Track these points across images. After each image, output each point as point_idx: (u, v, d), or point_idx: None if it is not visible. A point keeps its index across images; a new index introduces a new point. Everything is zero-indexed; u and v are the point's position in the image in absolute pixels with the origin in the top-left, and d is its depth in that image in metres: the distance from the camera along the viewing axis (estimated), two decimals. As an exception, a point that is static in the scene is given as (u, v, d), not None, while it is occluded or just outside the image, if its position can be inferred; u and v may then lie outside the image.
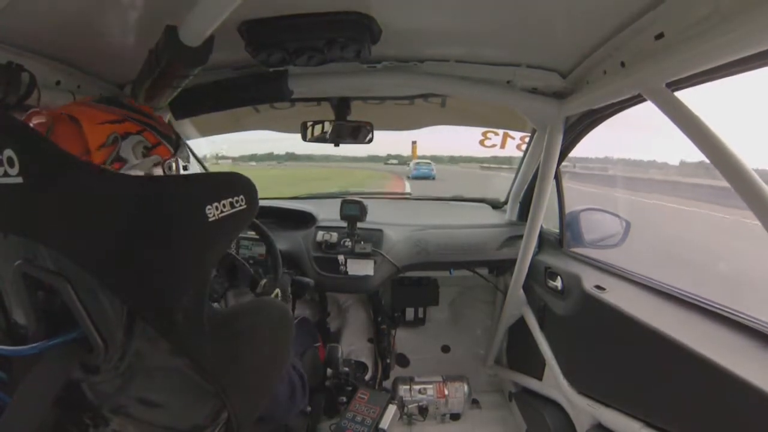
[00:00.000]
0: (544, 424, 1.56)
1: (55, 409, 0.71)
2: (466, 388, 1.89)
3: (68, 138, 0.69)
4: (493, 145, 1.87)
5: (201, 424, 0.74)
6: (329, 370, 1.69)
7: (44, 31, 0.90)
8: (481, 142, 1.89)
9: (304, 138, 1.67)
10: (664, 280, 1.26)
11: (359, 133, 1.62)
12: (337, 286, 1.79)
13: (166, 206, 0.62)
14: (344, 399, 1.69)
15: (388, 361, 2.03)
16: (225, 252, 1.26)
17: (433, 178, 15.35)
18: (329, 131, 1.62)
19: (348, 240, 1.76)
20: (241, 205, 0.67)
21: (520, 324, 1.84)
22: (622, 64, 0.97)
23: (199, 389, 0.70)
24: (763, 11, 0.59)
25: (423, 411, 1.85)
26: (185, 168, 0.87)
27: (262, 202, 0.73)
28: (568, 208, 1.72)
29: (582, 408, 1.33)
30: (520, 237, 1.70)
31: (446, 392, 1.87)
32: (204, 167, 2.19)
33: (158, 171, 0.78)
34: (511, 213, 2.02)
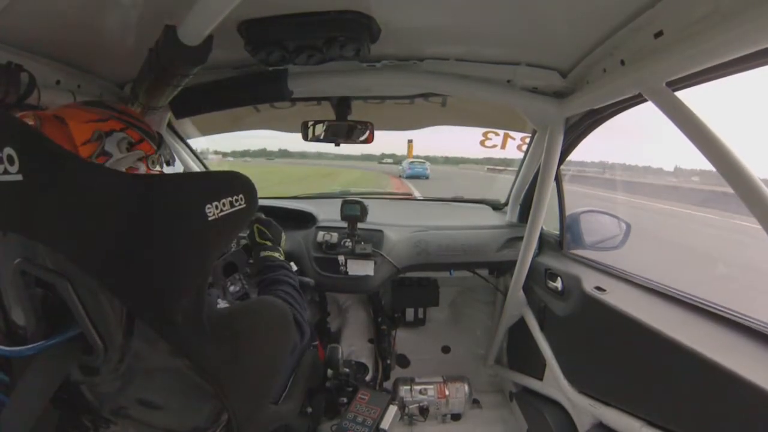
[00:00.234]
0: (545, 423, 1.56)
1: (56, 410, 0.71)
2: (466, 388, 1.89)
3: (56, 136, 0.70)
4: (494, 146, 1.87)
5: (201, 426, 0.74)
6: (329, 371, 1.69)
7: (44, 31, 0.91)
8: (482, 143, 1.89)
9: (305, 138, 1.67)
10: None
11: (360, 132, 1.62)
12: (338, 287, 1.79)
13: (165, 205, 0.62)
14: (345, 400, 1.68)
15: (389, 361, 2.03)
16: (225, 251, 1.27)
17: (427, 177, 15.22)
18: (330, 131, 1.62)
19: (348, 240, 1.76)
20: (240, 204, 0.67)
21: (521, 325, 1.84)
22: (622, 63, 0.96)
23: (198, 390, 0.70)
24: (762, 10, 0.59)
25: (424, 411, 1.85)
26: (168, 164, 0.88)
27: (262, 202, 0.73)
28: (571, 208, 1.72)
29: (583, 407, 1.33)
30: (521, 238, 1.70)
31: (447, 392, 1.86)
32: (204, 166, 2.18)
33: (142, 165, 0.79)
34: (511, 214, 2.02)
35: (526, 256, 1.66)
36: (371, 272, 1.72)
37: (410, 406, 1.85)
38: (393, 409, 1.60)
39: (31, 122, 0.70)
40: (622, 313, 1.15)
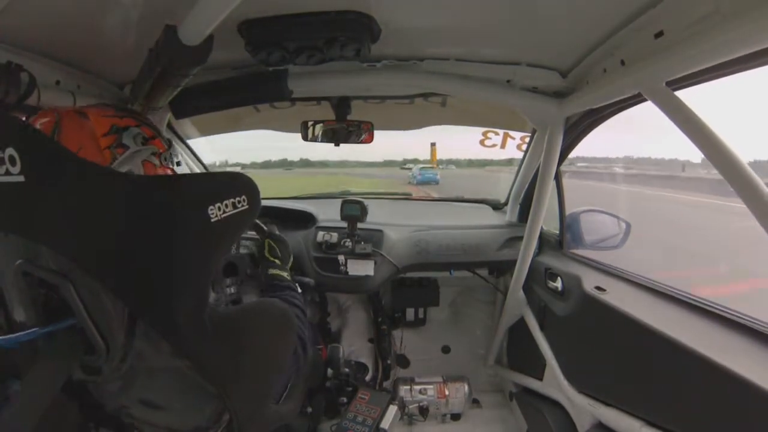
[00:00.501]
0: (544, 422, 1.56)
1: (58, 411, 0.71)
2: (466, 388, 1.89)
3: (76, 128, 0.70)
4: (494, 145, 1.87)
5: (203, 426, 0.74)
6: (330, 371, 1.69)
7: (44, 31, 0.90)
8: (482, 143, 1.89)
9: (305, 138, 1.67)
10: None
11: (359, 132, 1.62)
12: (338, 287, 1.79)
13: (167, 206, 0.62)
14: (345, 399, 1.68)
15: (389, 361, 2.03)
16: (227, 252, 1.27)
17: (437, 183, 15.08)
18: (330, 131, 1.62)
19: (348, 240, 1.76)
20: (243, 206, 0.67)
21: (521, 324, 1.84)
22: (622, 63, 0.96)
23: (200, 390, 0.70)
24: (763, 10, 0.59)
25: (424, 411, 1.85)
26: (178, 164, 0.89)
27: (262, 202, 0.73)
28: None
29: (583, 407, 1.33)
30: (521, 238, 1.70)
31: (447, 392, 1.87)
32: (204, 167, 2.18)
33: (155, 160, 0.79)
34: (511, 214, 2.02)
35: (526, 255, 1.66)
36: (371, 272, 1.72)
37: (410, 406, 1.85)
38: (393, 409, 1.60)
39: (50, 118, 0.70)
40: (622, 313, 1.15)
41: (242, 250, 1.79)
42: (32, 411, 0.59)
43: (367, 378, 1.99)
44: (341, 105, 1.59)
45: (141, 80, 1.08)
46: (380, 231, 1.82)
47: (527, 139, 1.80)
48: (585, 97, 1.20)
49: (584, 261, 1.59)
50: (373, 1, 0.90)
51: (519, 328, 1.86)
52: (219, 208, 0.64)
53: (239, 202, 0.66)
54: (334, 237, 1.78)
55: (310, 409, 1.63)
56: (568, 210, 1.72)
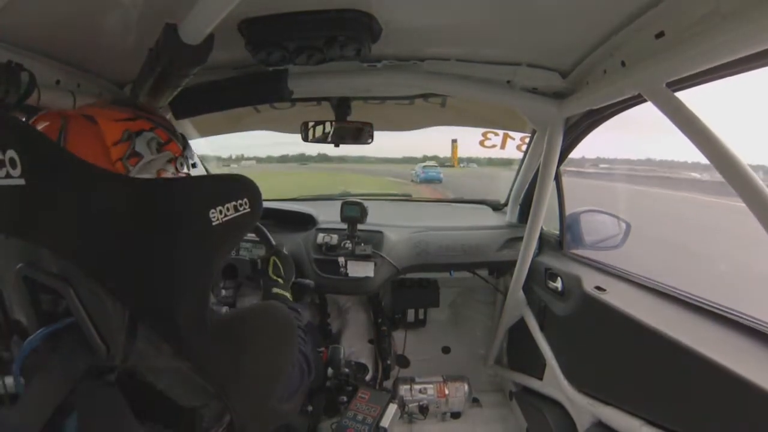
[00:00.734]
0: (544, 422, 1.56)
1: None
2: (466, 387, 1.90)
3: (85, 136, 0.67)
4: (494, 146, 1.87)
5: (203, 426, 0.74)
6: (330, 371, 1.69)
7: (44, 30, 0.90)
8: (482, 143, 1.90)
9: (305, 138, 1.67)
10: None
11: (360, 133, 1.62)
12: (338, 288, 1.79)
13: (168, 209, 0.62)
14: (345, 399, 1.68)
15: (389, 362, 2.03)
16: (228, 255, 1.26)
17: (440, 181, 14.98)
18: (330, 131, 1.62)
19: (348, 242, 1.76)
20: (245, 209, 0.66)
21: (521, 325, 1.84)
22: (623, 64, 0.97)
23: (201, 392, 0.69)
24: (763, 11, 0.59)
25: (423, 410, 1.85)
26: (194, 166, 0.86)
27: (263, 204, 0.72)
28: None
29: (582, 406, 1.33)
30: (520, 239, 1.70)
31: (447, 392, 1.87)
32: (205, 168, 2.18)
33: (171, 167, 0.77)
34: (511, 214, 2.02)
35: (526, 256, 1.66)
36: (371, 273, 1.71)
37: (410, 405, 1.86)
38: (393, 408, 1.60)
39: (54, 121, 0.67)
40: (622, 312, 1.16)
41: (242, 252, 1.79)
42: (36, 418, 0.59)
43: (367, 378, 1.99)
44: (341, 105, 1.59)
45: (141, 80, 1.08)
46: (380, 232, 1.82)
47: (527, 140, 1.80)
48: (585, 97, 1.20)
49: (584, 261, 1.59)
50: (374, 0, 0.90)
51: (519, 329, 1.86)
52: (220, 211, 0.63)
53: (241, 205, 0.66)
54: (334, 238, 1.78)
55: (310, 408, 1.63)
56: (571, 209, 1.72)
